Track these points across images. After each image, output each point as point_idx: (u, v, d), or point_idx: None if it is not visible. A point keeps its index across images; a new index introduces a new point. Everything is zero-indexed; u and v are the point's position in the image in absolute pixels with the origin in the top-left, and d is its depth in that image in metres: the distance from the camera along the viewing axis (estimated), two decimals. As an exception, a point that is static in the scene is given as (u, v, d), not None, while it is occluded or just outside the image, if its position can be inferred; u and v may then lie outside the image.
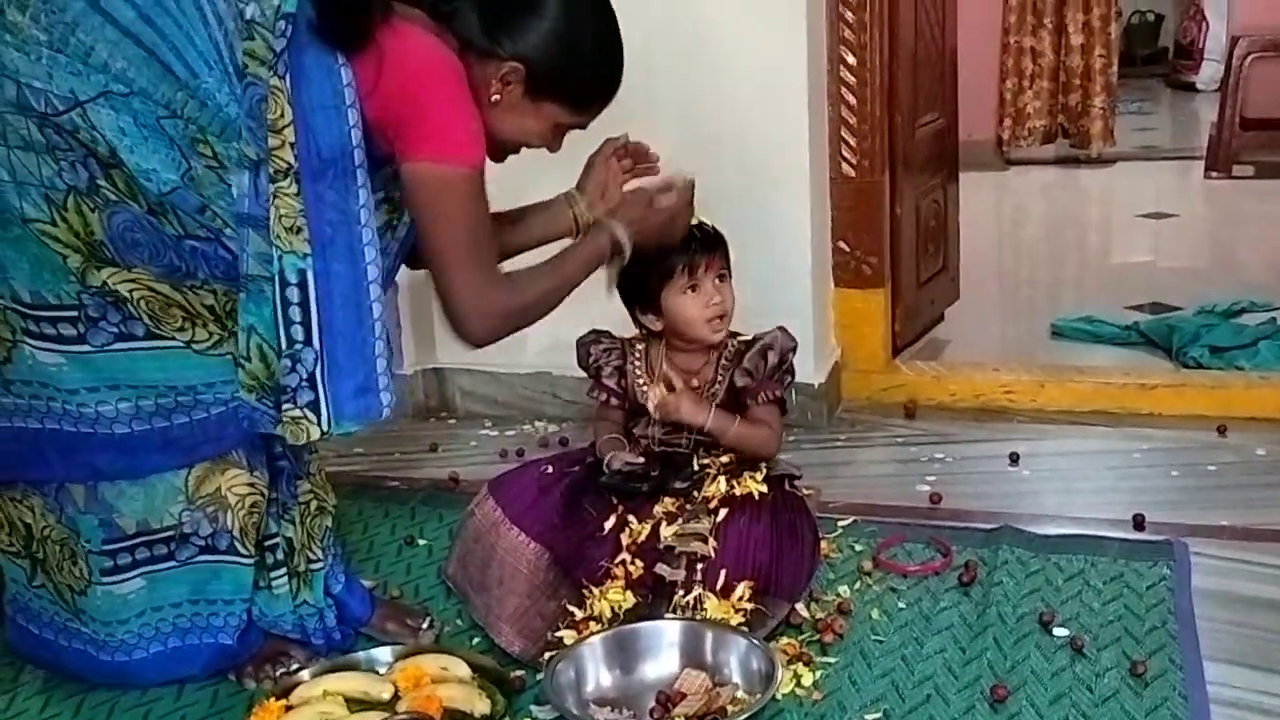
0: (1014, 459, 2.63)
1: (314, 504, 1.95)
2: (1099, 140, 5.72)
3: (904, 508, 2.43)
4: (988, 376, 3.00)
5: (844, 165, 2.89)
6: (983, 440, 2.75)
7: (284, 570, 1.90)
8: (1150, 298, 3.71)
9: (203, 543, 1.82)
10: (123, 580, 1.81)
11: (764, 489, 2.00)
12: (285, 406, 1.65)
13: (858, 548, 2.26)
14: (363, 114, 1.62)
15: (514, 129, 1.75)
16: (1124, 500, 2.41)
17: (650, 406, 2.04)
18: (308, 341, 1.63)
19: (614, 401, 2.15)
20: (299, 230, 1.60)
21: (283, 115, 1.57)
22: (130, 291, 1.68)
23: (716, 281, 2.04)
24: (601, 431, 2.14)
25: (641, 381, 2.11)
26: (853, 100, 2.85)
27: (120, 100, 1.61)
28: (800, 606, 1.99)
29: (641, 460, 2.04)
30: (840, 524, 2.33)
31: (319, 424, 1.66)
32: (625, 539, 1.98)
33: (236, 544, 1.83)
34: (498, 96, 1.69)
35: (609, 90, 1.78)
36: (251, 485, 1.82)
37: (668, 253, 1.99)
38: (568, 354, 2.20)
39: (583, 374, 2.18)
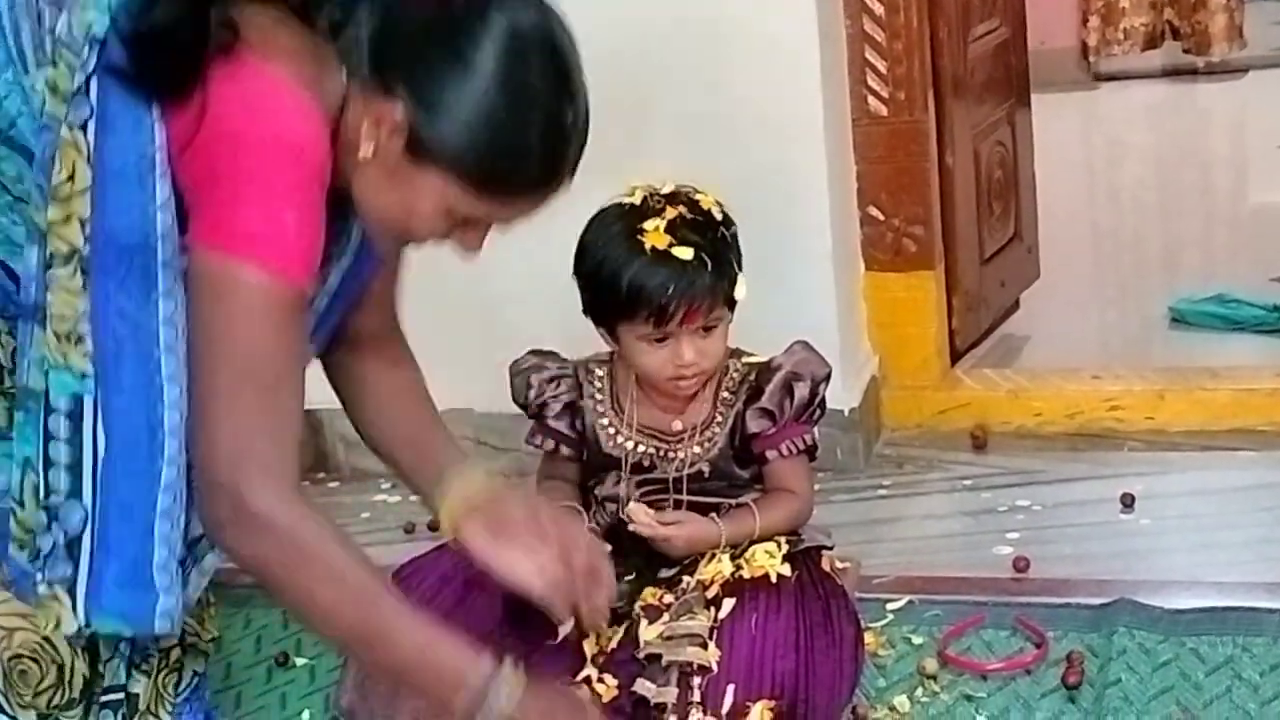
0: (1128, 503, 2.67)
1: (175, 650, 1.95)
2: (1223, 41, 5.79)
3: (977, 580, 2.45)
4: (1085, 387, 3.04)
5: (871, 100, 2.93)
6: (1082, 479, 2.78)
7: None
8: (1305, 263, 3.77)
9: None
10: None
11: (784, 569, 2.02)
12: (36, 577, 1.65)
13: (916, 640, 2.28)
14: (175, 184, 1.57)
15: (390, 203, 1.61)
16: (1283, 555, 2.44)
17: (633, 526, 2.04)
18: (74, 493, 1.63)
19: (565, 451, 2.16)
20: (78, 340, 1.60)
21: (73, 179, 1.56)
22: None
23: (699, 338, 2.04)
24: (549, 497, 2.15)
25: (606, 422, 2.12)
26: (879, 9, 2.89)
27: None
28: (841, 729, 2.01)
29: (608, 548, 2.05)
30: (890, 607, 2.35)
31: (73, 611, 1.64)
32: (590, 647, 1.99)
33: (3, 703, 1.83)
34: (370, 147, 1.57)
35: (531, 187, 1.62)
36: (24, 616, 1.80)
37: (631, 287, 1.98)
38: (498, 382, 2.21)
39: (520, 411, 2.19)
